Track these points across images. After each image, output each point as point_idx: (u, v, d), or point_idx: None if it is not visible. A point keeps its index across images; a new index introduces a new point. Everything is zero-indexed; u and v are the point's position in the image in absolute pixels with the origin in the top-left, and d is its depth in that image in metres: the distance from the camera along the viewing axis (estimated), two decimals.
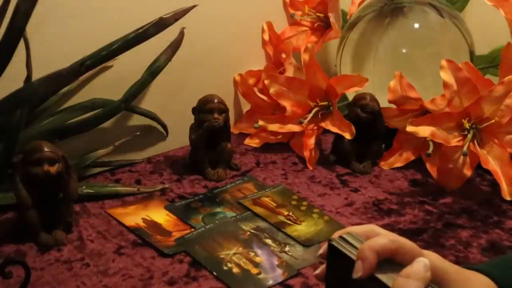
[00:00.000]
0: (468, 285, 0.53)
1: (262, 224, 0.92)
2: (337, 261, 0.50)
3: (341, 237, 0.50)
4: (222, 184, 1.03)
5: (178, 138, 1.13)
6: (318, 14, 1.24)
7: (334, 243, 0.50)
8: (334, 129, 1.09)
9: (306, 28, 1.25)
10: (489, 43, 1.17)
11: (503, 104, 0.96)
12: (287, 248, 0.86)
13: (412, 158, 1.10)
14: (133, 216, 0.92)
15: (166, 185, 1.02)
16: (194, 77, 1.15)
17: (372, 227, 0.52)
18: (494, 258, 0.72)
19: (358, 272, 0.47)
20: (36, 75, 0.83)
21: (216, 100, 1.03)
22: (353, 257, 0.48)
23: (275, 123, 1.14)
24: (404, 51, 1.15)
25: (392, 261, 0.48)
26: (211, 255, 0.83)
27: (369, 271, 0.47)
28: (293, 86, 1.12)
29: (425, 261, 0.47)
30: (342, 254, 0.49)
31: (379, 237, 0.49)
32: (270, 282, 0.79)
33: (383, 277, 0.47)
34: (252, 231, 0.90)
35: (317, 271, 0.53)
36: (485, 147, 1.00)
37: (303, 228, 0.91)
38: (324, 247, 0.51)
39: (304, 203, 0.98)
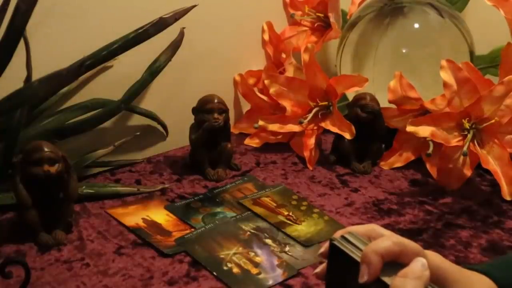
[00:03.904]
0: (470, 285, 0.53)
1: (262, 224, 0.92)
2: (338, 261, 0.50)
3: (342, 237, 0.50)
4: (222, 184, 1.03)
5: (178, 138, 1.13)
6: (318, 14, 1.24)
7: (335, 242, 0.49)
8: (334, 129, 1.09)
9: (306, 28, 1.25)
10: (489, 43, 1.17)
11: (503, 104, 0.96)
12: (287, 248, 0.86)
13: (412, 158, 1.10)
14: (133, 216, 0.92)
15: (166, 185, 1.02)
16: (194, 77, 1.15)
17: (374, 227, 0.52)
18: (494, 259, 0.72)
19: (363, 276, 0.47)
20: (36, 75, 0.83)
21: (216, 100, 1.03)
22: (355, 258, 0.48)
23: (275, 123, 1.14)
24: (404, 51, 1.15)
25: (395, 262, 0.48)
26: (211, 255, 0.83)
27: (374, 276, 0.47)
28: (293, 86, 1.12)
29: (422, 260, 0.47)
30: (344, 253, 0.49)
31: (383, 240, 0.48)
32: (270, 282, 0.79)
33: (386, 279, 0.47)
34: (252, 231, 0.90)
35: (317, 270, 0.53)
36: (485, 147, 1.00)
37: (303, 228, 0.91)
38: (325, 246, 0.51)
39: (304, 203, 0.98)
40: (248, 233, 0.89)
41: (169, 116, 1.12)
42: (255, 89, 1.21)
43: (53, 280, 0.78)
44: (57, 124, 0.98)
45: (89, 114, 1.01)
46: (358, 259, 0.48)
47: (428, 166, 1.08)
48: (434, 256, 0.52)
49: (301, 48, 1.14)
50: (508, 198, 0.97)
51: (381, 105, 1.08)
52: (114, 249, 0.85)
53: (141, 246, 0.86)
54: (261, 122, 1.13)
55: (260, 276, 0.80)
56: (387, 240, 0.48)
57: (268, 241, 0.88)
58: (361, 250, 0.48)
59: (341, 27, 1.20)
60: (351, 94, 1.15)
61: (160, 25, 0.89)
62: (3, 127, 0.88)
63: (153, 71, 1.03)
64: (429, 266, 0.47)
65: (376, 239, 0.50)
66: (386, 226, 0.91)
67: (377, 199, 1.00)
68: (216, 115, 1.02)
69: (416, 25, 1.16)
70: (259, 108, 1.20)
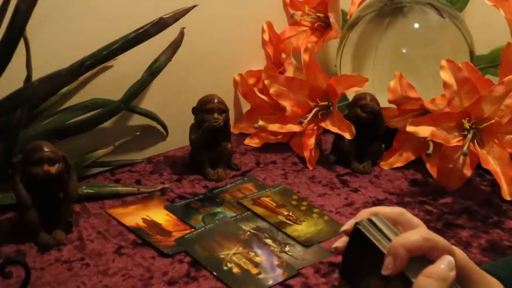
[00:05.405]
0: (488, 286, 0.52)
1: (262, 224, 0.92)
2: (360, 244, 0.48)
3: (369, 220, 0.48)
4: (222, 184, 1.03)
5: (178, 138, 1.13)
6: (318, 14, 1.24)
7: (361, 227, 0.48)
8: (334, 129, 1.09)
9: (306, 28, 1.25)
10: (489, 43, 1.17)
11: (503, 104, 0.96)
12: (287, 248, 0.86)
13: (412, 158, 1.10)
14: (133, 216, 0.92)
15: (166, 185, 1.02)
16: (194, 77, 1.15)
17: (402, 211, 0.50)
18: (497, 260, 0.71)
19: (388, 269, 0.45)
20: (36, 75, 0.83)
21: (216, 100, 1.03)
22: (381, 247, 0.46)
23: (275, 123, 1.14)
24: (404, 51, 1.15)
25: (420, 256, 0.46)
26: (211, 255, 0.83)
27: (399, 270, 0.45)
28: (293, 86, 1.12)
29: (450, 259, 0.45)
30: (368, 239, 0.47)
31: (414, 234, 0.46)
32: (270, 282, 0.79)
33: (409, 274, 0.45)
34: (252, 231, 0.90)
35: (337, 244, 0.51)
36: (485, 147, 1.00)
37: (303, 228, 0.91)
38: (349, 223, 0.50)
39: (304, 203, 0.98)
40: (248, 233, 0.89)
41: (169, 116, 1.12)
42: (255, 89, 1.21)
43: (53, 280, 0.78)
44: (57, 124, 0.98)
45: (89, 114, 1.01)
46: (383, 249, 0.46)
47: (428, 166, 1.08)
48: (461, 254, 0.50)
49: (301, 48, 1.14)
50: (508, 198, 0.97)
51: (381, 105, 1.08)
52: (114, 249, 0.85)
53: (141, 246, 0.86)
54: (261, 122, 1.13)
55: (260, 276, 0.80)
56: (417, 234, 0.46)
57: (268, 241, 0.88)
58: (387, 237, 0.47)
59: (341, 27, 1.20)
60: (351, 94, 1.15)
61: (160, 25, 0.89)
62: (3, 127, 0.88)
63: (153, 71, 1.03)
64: (457, 265, 0.46)
65: (403, 224, 0.48)
66: None
67: (377, 199, 1.00)
68: (216, 115, 1.02)
69: (416, 25, 1.16)
70: (259, 108, 1.20)
